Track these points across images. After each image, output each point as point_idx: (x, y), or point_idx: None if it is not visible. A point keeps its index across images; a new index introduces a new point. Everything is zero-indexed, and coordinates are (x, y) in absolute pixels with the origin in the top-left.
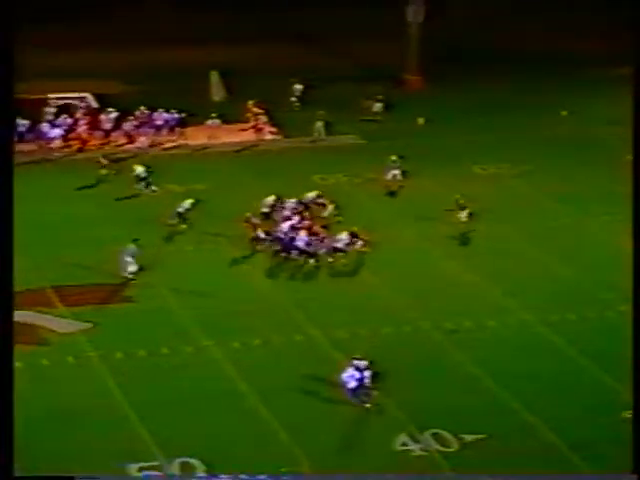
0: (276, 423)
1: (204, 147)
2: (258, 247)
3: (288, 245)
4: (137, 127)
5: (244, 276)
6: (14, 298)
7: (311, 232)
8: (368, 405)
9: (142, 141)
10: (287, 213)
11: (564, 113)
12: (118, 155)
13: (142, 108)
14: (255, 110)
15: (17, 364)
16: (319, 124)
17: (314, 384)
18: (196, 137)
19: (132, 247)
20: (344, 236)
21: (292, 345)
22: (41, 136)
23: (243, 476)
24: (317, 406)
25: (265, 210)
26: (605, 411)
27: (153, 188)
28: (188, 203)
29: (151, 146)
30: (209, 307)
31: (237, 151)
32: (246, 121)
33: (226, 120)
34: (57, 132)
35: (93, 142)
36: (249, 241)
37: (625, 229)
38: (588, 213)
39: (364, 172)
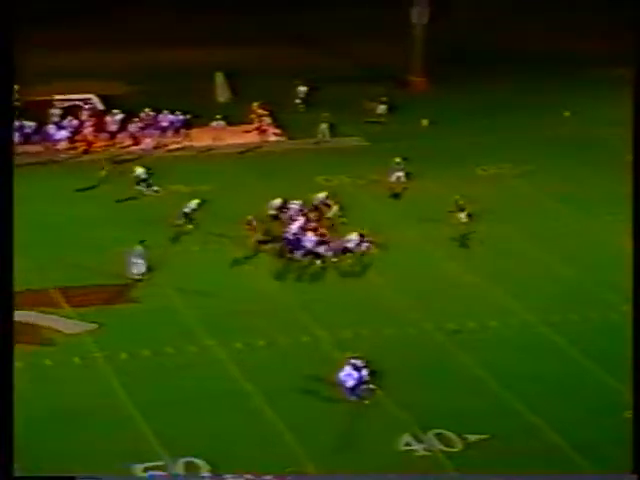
0: (280, 423)
1: (209, 148)
2: (263, 248)
3: (295, 246)
4: (142, 129)
5: (249, 276)
6: (20, 298)
7: (316, 234)
8: (366, 402)
9: (147, 143)
10: (292, 214)
11: (567, 114)
12: (123, 157)
13: (147, 110)
14: (259, 112)
15: (23, 364)
16: (323, 126)
17: (318, 384)
18: (201, 138)
19: (139, 248)
20: (354, 236)
21: (296, 346)
22: (47, 138)
23: (248, 476)
24: (320, 406)
25: (272, 212)
26: (608, 412)
27: (155, 188)
28: (194, 203)
29: (156, 148)
30: (214, 307)
31: (241, 152)
32: (250, 123)
33: (230, 122)
34: (63, 134)
35: (99, 144)
36: (254, 243)
37: (627, 230)
38: (590, 213)
39: (368, 174)
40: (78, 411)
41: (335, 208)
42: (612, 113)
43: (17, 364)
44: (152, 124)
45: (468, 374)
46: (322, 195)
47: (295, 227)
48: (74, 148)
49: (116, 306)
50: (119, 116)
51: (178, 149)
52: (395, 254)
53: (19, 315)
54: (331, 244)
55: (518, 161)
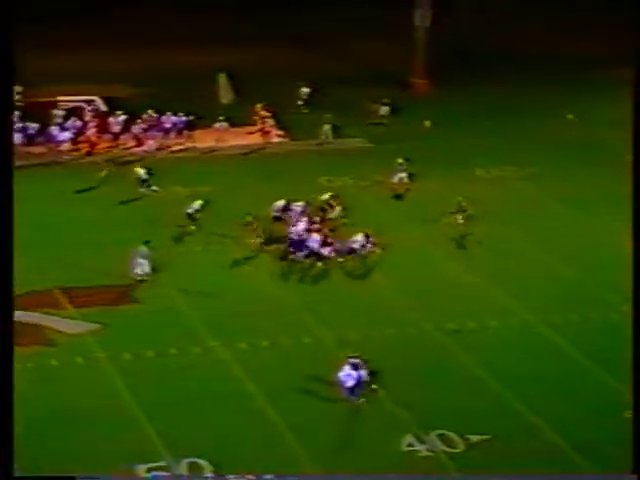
0: (283, 424)
1: (212, 150)
2: (266, 249)
3: (298, 247)
4: (145, 130)
5: (252, 277)
6: (23, 299)
7: (321, 235)
8: (367, 402)
9: (150, 144)
10: (295, 216)
11: (570, 116)
12: (126, 158)
13: (150, 111)
14: (262, 113)
15: (26, 365)
16: (326, 127)
17: (321, 385)
18: (204, 140)
19: (143, 249)
20: (360, 237)
21: (299, 346)
22: (51, 139)
23: (250, 476)
24: (323, 407)
25: (276, 214)
26: (608, 412)
27: (154, 188)
28: (198, 204)
29: (159, 149)
30: (217, 308)
31: (244, 154)
32: (253, 124)
33: (233, 123)
34: (66, 135)
35: (102, 145)
36: (255, 244)
37: (628, 230)
38: (593, 215)
39: (371, 175)
40: (81, 411)
41: (338, 209)
42: (615, 115)
43: (21, 365)
44: (155, 125)
45: (469, 375)
46: (327, 195)
47: (301, 228)
48: (77, 149)
49: (119, 307)
50: (122, 117)
51: (181, 150)
52: (397, 255)
53: (23, 316)
54: (337, 245)
55: (522, 163)
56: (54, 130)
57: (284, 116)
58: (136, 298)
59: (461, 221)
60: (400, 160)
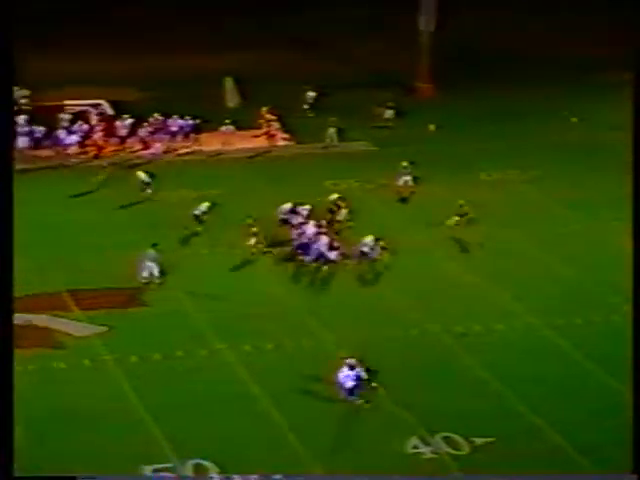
0: (288, 426)
1: (218, 153)
2: (269, 250)
3: (305, 250)
4: (152, 133)
5: (258, 280)
6: (30, 302)
7: (329, 238)
8: (364, 403)
9: (157, 147)
10: (301, 219)
11: (574, 120)
12: (133, 161)
13: (156, 115)
14: (268, 117)
15: (33, 367)
16: (331, 130)
17: (325, 387)
18: (210, 143)
19: (151, 252)
20: (369, 240)
21: (303, 348)
22: (57, 142)
23: (255, 477)
24: (327, 409)
25: (282, 217)
26: (611, 414)
27: (149, 191)
28: (205, 206)
29: (166, 152)
30: (223, 310)
31: (250, 157)
32: (259, 127)
33: (240, 126)
34: (73, 139)
35: (109, 148)
36: (255, 246)
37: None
38: (597, 218)
39: (376, 178)
40: (89, 414)
41: (344, 212)
42: (619, 118)
43: (28, 367)
44: (162, 129)
45: (474, 377)
46: (335, 196)
47: (310, 231)
48: (84, 153)
49: (126, 309)
50: (129, 121)
51: (187, 154)
52: (403, 258)
53: (29, 318)
54: (347, 249)
55: (525, 167)
56: (61, 133)
57: (290, 119)
58: (143, 301)
59: (460, 225)
60: (405, 163)
